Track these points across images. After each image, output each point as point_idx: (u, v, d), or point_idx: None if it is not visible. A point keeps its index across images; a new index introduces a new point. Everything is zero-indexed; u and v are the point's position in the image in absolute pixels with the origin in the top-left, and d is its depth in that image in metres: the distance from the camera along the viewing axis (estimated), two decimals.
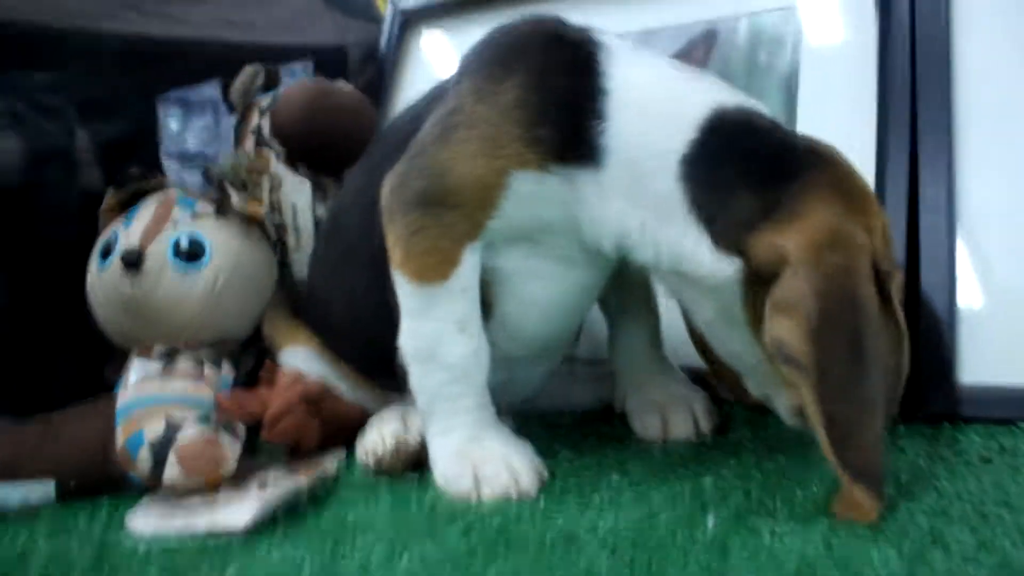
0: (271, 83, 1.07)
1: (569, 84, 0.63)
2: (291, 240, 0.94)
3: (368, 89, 1.20)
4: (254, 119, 1.03)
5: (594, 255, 0.68)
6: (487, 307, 0.71)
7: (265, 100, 1.04)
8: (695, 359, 0.86)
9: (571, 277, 0.71)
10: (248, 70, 1.04)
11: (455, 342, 0.67)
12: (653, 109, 0.63)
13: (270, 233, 0.93)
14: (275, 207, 0.94)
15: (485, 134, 0.64)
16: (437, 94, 0.73)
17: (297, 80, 1.03)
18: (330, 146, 0.99)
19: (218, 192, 0.89)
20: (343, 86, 1.03)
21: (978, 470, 0.65)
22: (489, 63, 0.67)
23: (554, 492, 0.68)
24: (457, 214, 0.65)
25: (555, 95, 0.63)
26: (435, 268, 0.66)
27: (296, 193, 0.93)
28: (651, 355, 0.82)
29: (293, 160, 1.00)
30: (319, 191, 1.00)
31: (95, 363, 0.90)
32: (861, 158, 0.69)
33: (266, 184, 0.94)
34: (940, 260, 0.79)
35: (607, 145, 0.63)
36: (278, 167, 0.94)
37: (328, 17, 1.21)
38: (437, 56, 1.22)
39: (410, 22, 1.27)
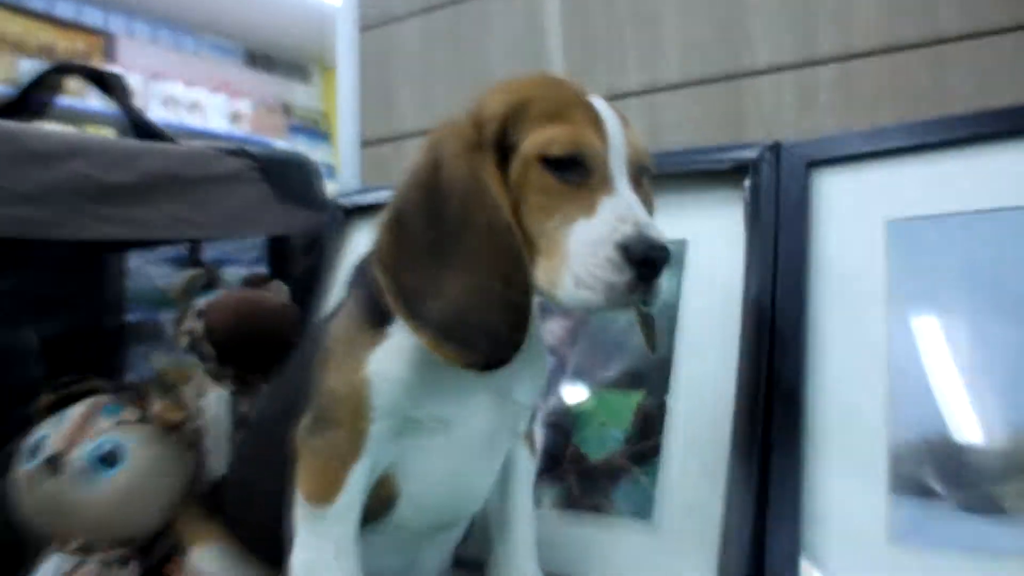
0: (211, 284, 1.16)
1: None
2: (209, 444, 1.02)
3: (309, 273, 1.30)
4: (189, 320, 1.12)
5: (475, 408, 0.75)
6: (394, 494, 0.77)
7: (201, 302, 1.12)
8: (562, 567, 0.93)
9: (462, 443, 0.76)
10: (189, 274, 1.14)
11: (329, 567, 0.73)
12: None
13: (187, 438, 1.01)
14: (197, 413, 1.03)
15: (343, 343, 0.73)
16: (334, 312, 0.82)
17: (228, 289, 1.13)
18: (255, 347, 1.08)
19: (139, 399, 0.99)
20: (268, 295, 1.13)
21: None
22: (344, 294, 0.80)
23: None
24: (342, 433, 0.72)
25: (370, 287, 0.72)
26: (324, 490, 0.73)
27: (216, 404, 1.03)
28: (523, 567, 0.87)
29: (223, 359, 1.09)
30: (246, 388, 1.08)
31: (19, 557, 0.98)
32: None
33: (191, 391, 1.04)
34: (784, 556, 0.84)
35: None
36: (203, 378, 1.04)
37: (278, 209, 1.30)
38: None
39: (347, 215, 1.36)
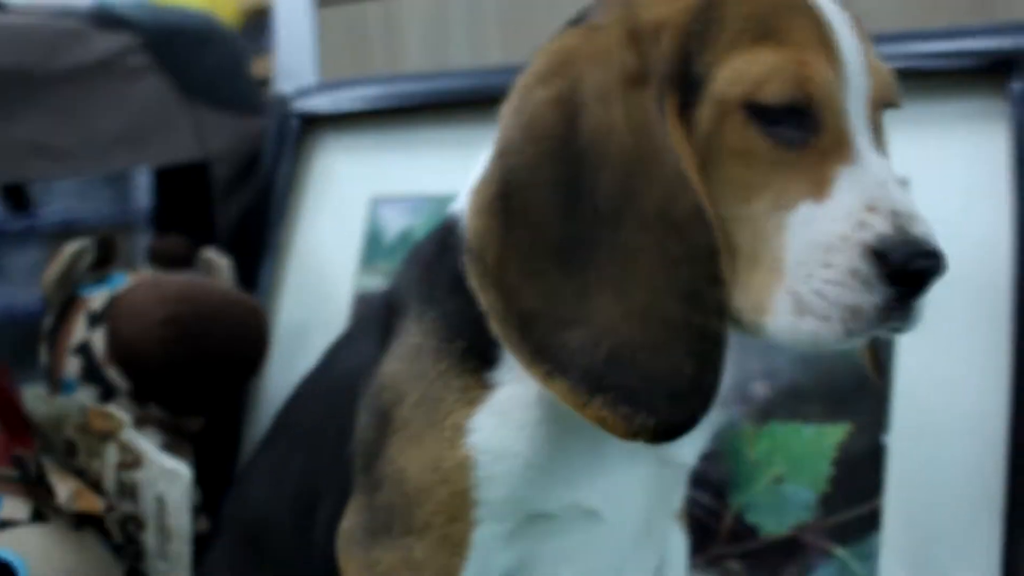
0: (106, 262, 0.84)
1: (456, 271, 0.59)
2: (150, 541, 0.71)
3: (245, 226, 1.00)
4: (78, 329, 0.81)
5: (631, 486, 0.63)
6: None
7: (99, 297, 0.81)
8: None
9: (612, 538, 0.64)
10: (69, 249, 0.81)
11: None
12: None
13: (113, 533, 0.71)
14: (126, 492, 0.71)
15: (418, 399, 0.59)
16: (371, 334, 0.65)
17: (145, 275, 0.82)
18: (201, 378, 0.80)
19: (33, 484, 0.68)
20: (212, 281, 0.84)
21: None
22: (387, 322, 0.64)
23: None
24: (426, 543, 0.58)
25: (455, 304, 0.59)
26: None
27: (166, 483, 0.70)
28: None
29: (143, 394, 0.81)
30: (181, 440, 0.81)
31: None
32: None
33: (111, 456, 0.71)
34: None
35: None
36: (133, 435, 0.70)
37: (184, 116, 0.97)
38: (357, 183, 0.98)
39: (305, 127, 1.01)
